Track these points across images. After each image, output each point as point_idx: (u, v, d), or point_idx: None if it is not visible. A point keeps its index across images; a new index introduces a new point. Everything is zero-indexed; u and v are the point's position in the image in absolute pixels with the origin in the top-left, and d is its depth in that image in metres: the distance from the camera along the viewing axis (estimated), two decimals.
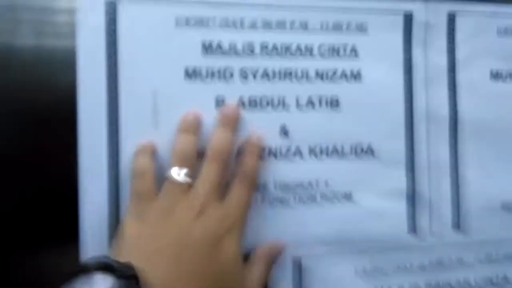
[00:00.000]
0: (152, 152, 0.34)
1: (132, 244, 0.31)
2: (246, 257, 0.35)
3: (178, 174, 0.32)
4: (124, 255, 0.30)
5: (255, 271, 0.34)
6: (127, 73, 0.34)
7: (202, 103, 0.35)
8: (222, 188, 0.34)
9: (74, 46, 0.34)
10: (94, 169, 0.34)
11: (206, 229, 0.32)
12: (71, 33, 0.34)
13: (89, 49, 0.34)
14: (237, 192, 0.34)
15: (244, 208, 0.34)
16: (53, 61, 0.34)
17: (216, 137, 0.34)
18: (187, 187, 0.33)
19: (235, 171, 0.35)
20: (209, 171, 0.33)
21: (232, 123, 0.35)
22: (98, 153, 0.34)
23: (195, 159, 0.33)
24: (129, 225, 0.32)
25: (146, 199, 0.32)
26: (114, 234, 0.33)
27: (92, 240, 0.34)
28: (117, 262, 0.28)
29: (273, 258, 0.36)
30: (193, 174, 0.33)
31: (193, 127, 0.34)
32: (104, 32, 0.34)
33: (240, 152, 0.35)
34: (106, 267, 0.28)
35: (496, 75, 0.41)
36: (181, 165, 0.33)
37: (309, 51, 0.37)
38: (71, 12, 0.34)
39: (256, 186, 0.35)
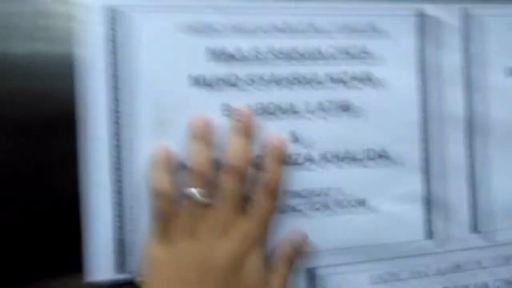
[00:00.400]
0: (170, 166, 0.33)
1: (158, 271, 0.31)
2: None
3: (198, 193, 0.31)
4: (152, 283, 0.30)
5: (278, 278, 0.34)
6: (128, 83, 0.33)
7: (208, 111, 0.34)
8: (243, 199, 0.33)
9: (70, 52, 0.33)
10: (97, 182, 0.33)
11: (228, 251, 0.31)
12: (67, 39, 0.33)
13: (88, 58, 0.33)
14: (260, 204, 0.33)
15: (269, 221, 0.33)
16: (49, 67, 0.33)
17: (232, 148, 0.33)
18: (208, 205, 0.32)
19: (256, 178, 0.33)
20: (228, 186, 0.32)
21: (247, 129, 0.34)
22: (101, 167, 0.33)
23: (212, 173, 0.32)
24: (154, 247, 0.32)
25: (169, 219, 0.32)
26: (119, 247, 0.33)
27: (97, 258, 0.33)
28: None
29: (295, 259, 0.35)
30: (213, 190, 0.32)
31: (205, 134, 0.33)
32: (103, 41, 0.33)
33: (258, 157, 0.34)
34: None
35: (511, 72, 0.39)
36: (200, 184, 0.32)
37: (318, 54, 0.36)
38: (67, 17, 0.33)
39: (280, 195, 0.34)
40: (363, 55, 0.37)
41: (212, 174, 0.32)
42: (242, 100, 0.35)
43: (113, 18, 0.33)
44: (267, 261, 0.34)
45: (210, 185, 0.32)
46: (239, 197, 0.32)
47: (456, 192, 0.38)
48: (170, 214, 0.32)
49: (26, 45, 0.33)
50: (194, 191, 0.31)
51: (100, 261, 0.33)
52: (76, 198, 0.33)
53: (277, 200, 0.33)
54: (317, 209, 0.36)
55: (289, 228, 0.35)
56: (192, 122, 0.33)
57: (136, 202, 0.33)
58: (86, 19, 0.33)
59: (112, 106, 0.33)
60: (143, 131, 0.33)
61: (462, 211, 0.39)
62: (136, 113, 0.33)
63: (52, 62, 0.33)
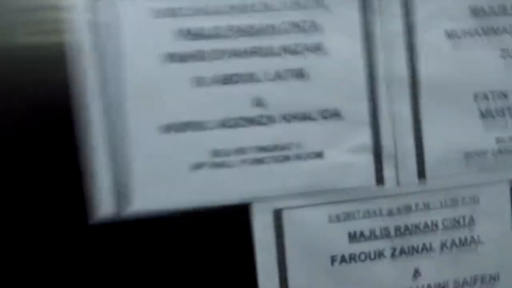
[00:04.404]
0: None
1: None
2: (246, 206, 0.42)
3: None
4: None
5: None
6: (111, 63, 0.40)
7: (180, 83, 0.41)
8: None
9: (62, 42, 0.40)
10: (95, 145, 0.40)
11: None
12: (58, 29, 0.40)
13: (76, 45, 0.40)
14: None
15: None
16: (43, 57, 0.40)
17: None
18: None
19: None
20: None
21: None
22: (97, 134, 0.40)
23: None
24: None
25: None
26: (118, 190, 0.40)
27: None
28: None
29: None
30: None
31: None
32: (88, 27, 0.40)
33: None
34: None
35: (450, 35, 0.44)
36: None
37: (272, 29, 0.42)
38: (58, 9, 0.40)
39: None
40: (312, 28, 0.42)
41: None
42: (209, 72, 0.41)
43: (96, 6, 0.40)
44: (246, 205, 0.40)
45: None
46: None
47: (404, 144, 0.44)
48: None
49: (18, 38, 0.40)
50: None
51: (101, 203, 0.40)
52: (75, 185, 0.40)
53: None
54: (281, 161, 0.42)
55: (257, 177, 0.42)
56: None
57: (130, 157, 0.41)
58: (72, 8, 0.39)
59: (103, 84, 0.40)
60: (128, 105, 0.40)
61: (410, 160, 0.44)
62: (121, 90, 0.40)
63: (44, 52, 0.40)
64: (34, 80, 0.40)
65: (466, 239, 0.45)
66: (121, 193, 0.41)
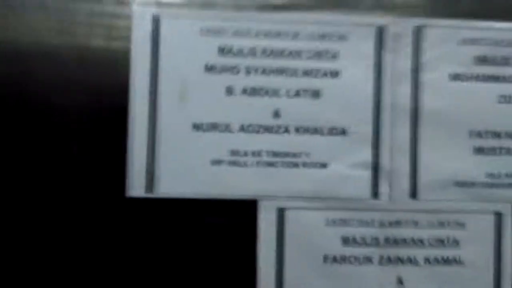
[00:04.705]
0: None
1: None
2: (254, 202, 0.49)
3: None
4: None
5: None
6: (163, 70, 0.49)
7: (216, 92, 0.49)
8: None
9: (124, 48, 0.49)
10: (136, 131, 0.49)
11: None
12: (122, 36, 0.49)
13: (137, 53, 0.48)
14: None
15: None
16: (107, 60, 0.49)
17: None
18: None
19: None
20: None
21: None
22: (140, 124, 0.49)
23: None
24: None
25: None
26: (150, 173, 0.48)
27: None
28: None
29: None
30: None
31: None
32: (148, 39, 0.49)
33: None
34: None
35: (454, 77, 0.51)
36: None
37: (297, 54, 0.50)
38: (124, 18, 0.49)
39: None
40: (332, 57, 0.50)
41: None
42: (240, 84, 0.49)
43: (155, 23, 0.49)
44: (253, 201, 0.48)
45: None
46: None
47: (400, 165, 0.50)
48: None
49: (88, 41, 0.49)
50: None
51: (137, 182, 0.48)
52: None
53: None
54: (289, 166, 0.49)
55: (267, 178, 0.49)
56: None
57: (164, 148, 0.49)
58: (136, 23, 0.49)
59: (151, 86, 0.49)
60: (169, 104, 0.49)
61: (404, 180, 0.50)
62: (167, 91, 0.49)
63: (108, 55, 0.49)
64: (96, 79, 0.49)
65: (448, 258, 0.50)
66: (152, 176, 0.49)
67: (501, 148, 0.51)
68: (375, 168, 0.50)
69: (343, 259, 0.50)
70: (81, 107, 0.49)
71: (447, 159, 0.50)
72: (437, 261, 0.50)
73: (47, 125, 0.48)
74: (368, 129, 0.50)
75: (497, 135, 0.51)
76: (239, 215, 0.50)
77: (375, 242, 0.50)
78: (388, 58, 0.50)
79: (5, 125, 0.48)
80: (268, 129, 0.49)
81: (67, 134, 0.49)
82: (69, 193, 0.49)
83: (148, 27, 0.49)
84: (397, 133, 0.50)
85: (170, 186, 0.49)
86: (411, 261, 0.50)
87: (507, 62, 0.51)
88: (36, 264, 0.48)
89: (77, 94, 0.49)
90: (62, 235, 0.49)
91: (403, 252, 0.50)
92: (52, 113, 0.48)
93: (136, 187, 0.49)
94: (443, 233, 0.51)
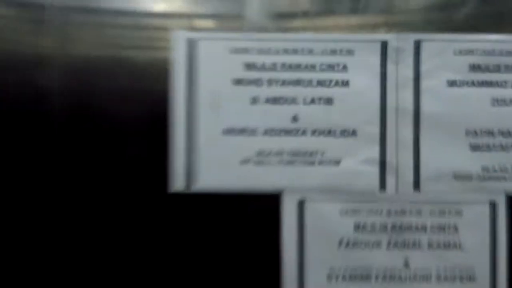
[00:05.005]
0: None
1: None
2: (277, 196, 0.56)
3: None
4: None
5: None
6: (198, 83, 0.57)
7: (242, 101, 0.57)
8: None
9: (164, 59, 0.57)
10: (176, 137, 0.57)
11: None
12: (162, 47, 0.58)
13: (175, 69, 0.57)
14: None
15: None
16: (147, 70, 0.58)
17: None
18: None
19: None
20: None
21: None
22: (178, 128, 0.58)
23: None
24: None
25: None
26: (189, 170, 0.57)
27: None
28: None
29: None
30: None
31: None
32: (184, 57, 0.57)
33: None
34: None
35: (451, 83, 0.58)
36: None
37: (311, 67, 0.58)
38: (164, 30, 0.58)
39: None
40: (342, 69, 0.58)
41: None
42: (263, 94, 0.57)
43: (191, 44, 0.58)
44: (277, 195, 0.57)
45: None
46: None
47: (404, 161, 0.57)
48: None
49: (130, 53, 0.58)
50: None
51: (177, 179, 0.57)
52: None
53: None
54: (307, 164, 0.57)
55: (288, 174, 0.57)
56: None
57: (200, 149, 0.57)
58: (175, 44, 0.58)
59: (188, 97, 0.58)
60: (203, 112, 0.57)
61: (408, 174, 0.57)
62: (200, 101, 0.57)
63: (148, 66, 0.58)
64: (138, 88, 0.58)
65: (449, 242, 0.57)
66: (190, 174, 0.58)
67: (494, 145, 0.57)
68: (383, 164, 0.57)
69: (356, 244, 0.57)
70: (130, 114, 0.58)
71: (446, 155, 0.57)
72: (438, 245, 0.57)
73: (104, 130, 0.58)
74: (376, 130, 0.58)
75: (491, 133, 0.57)
76: (264, 207, 0.57)
77: (384, 229, 0.57)
78: (391, 68, 0.58)
79: (70, 130, 0.58)
80: (288, 132, 0.58)
81: (119, 138, 0.58)
82: (121, 190, 0.58)
83: (185, 48, 0.58)
84: (401, 133, 0.57)
85: (206, 183, 0.58)
86: (416, 245, 0.57)
87: (499, 69, 0.58)
88: (86, 258, 0.57)
89: (127, 103, 0.58)
90: (115, 227, 0.58)
91: (409, 237, 0.57)
92: (108, 119, 0.58)
93: (177, 183, 0.57)
94: (443, 221, 0.57)
